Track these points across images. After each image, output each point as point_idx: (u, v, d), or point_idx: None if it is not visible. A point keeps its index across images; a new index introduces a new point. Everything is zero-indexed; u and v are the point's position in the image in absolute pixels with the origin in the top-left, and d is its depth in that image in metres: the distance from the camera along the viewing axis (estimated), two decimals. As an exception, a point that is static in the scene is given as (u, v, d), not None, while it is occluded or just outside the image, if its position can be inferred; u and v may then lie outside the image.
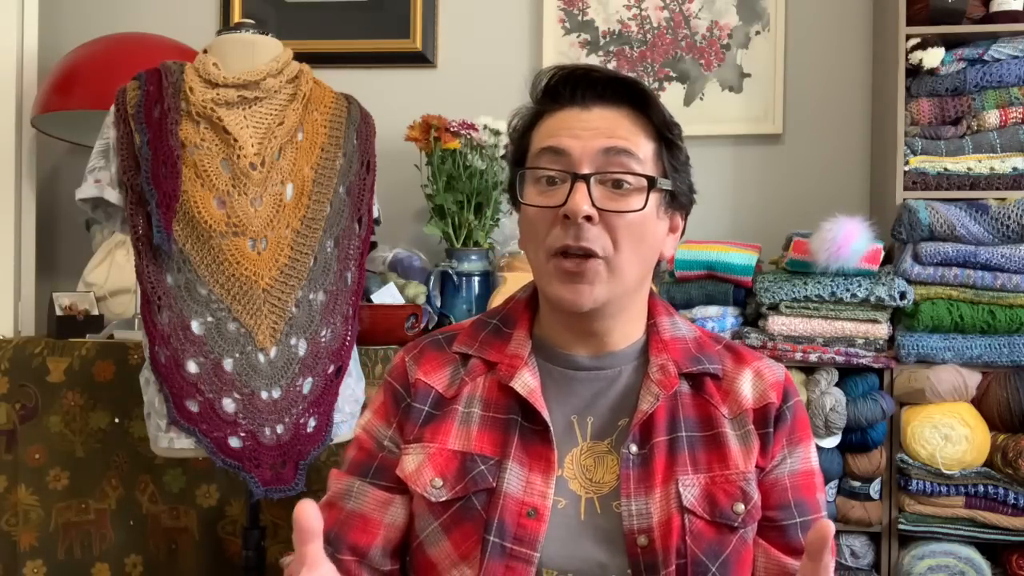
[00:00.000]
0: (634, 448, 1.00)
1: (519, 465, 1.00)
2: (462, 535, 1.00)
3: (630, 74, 2.51)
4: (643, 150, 1.01)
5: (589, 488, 1.01)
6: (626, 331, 1.06)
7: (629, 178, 0.99)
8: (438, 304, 2.26)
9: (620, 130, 1.00)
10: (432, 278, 2.26)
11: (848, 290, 2.01)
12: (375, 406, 1.12)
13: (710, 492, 0.99)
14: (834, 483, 2.03)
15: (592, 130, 0.99)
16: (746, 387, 1.05)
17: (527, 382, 1.03)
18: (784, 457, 1.05)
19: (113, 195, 1.71)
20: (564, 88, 1.02)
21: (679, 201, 1.06)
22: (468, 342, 1.09)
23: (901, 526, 2.00)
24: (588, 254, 0.97)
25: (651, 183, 1.00)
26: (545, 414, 1.01)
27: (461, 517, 1.00)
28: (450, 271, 2.27)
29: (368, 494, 1.07)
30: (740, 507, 0.99)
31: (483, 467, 1.01)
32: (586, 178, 0.97)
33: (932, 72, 2.12)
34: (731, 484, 1.00)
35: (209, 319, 1.68)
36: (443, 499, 1.01)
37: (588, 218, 0.96)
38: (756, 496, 1.01)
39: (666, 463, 1.00)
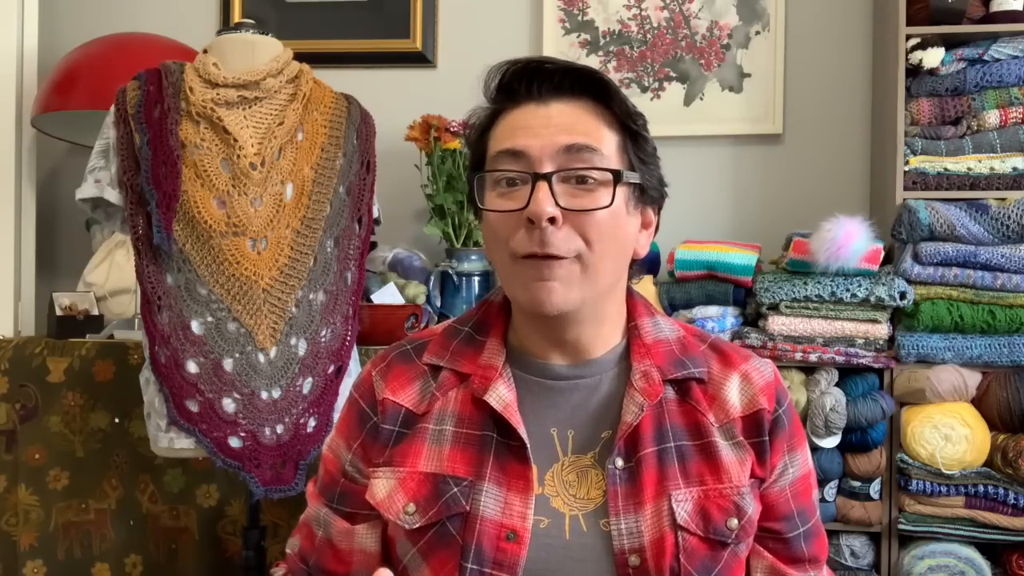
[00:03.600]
0: (620, 462, 0.95)
1: (496, 486, 0.95)
2: (439, 562, 0.95)
3: (628, 75, 2.53)
4: (606, 144, 0.95)
5: (573, 505, 0.96)
6: (604, 336, 1.00)
7: (593, 173, 0.93)
8: (438, 304, 2.26)
9: (580, 125, 0.94)
10: (432, 278, 2.26)
11: (848, 290, 2.01)
12: (340, 423, 1.07)
13: (704, 507, 0.95)
14: (834, 483, 2.03)
15: (551, 127, 0.94)
16: (733, 393, 1.00)
17: (502, 395, 0.97)
18: (785, 466, 1.01)
19: (113, 195, 1.71)
20: (519, 84, 0.96)
21: (649, 195, 1.00)
22: (439, 352, 1.03)
23: (901, 526, 2.00)
24: (554, 258, 0.92)
25: (617, 177, 0.94)
26: (521, 430, 0.95)
27: (436, 544, 0.95)
28: (450, 271, 2.27)
29: (333, 524, 1.04)
30: (734, 522, 0.95)
31: (456, 489, 0.95)
32: (547, 177, 0.92)
33: (932, 72, 2.12)
34: (725, 498, 0.96)
35: (209, 319, 1.68)
36: (417, 525, 0.96)
37: (552, 220, 0.91)
38: (751, 510, 0.97)
39: (656, 477, 0.95)
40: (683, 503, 0.94)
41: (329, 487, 1.06)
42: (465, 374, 1.01)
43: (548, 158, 0.93)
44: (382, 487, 0.99)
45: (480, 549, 0.93)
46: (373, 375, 1.04)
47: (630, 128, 0.98)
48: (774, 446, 1.00)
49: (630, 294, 1.05)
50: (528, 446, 0.96)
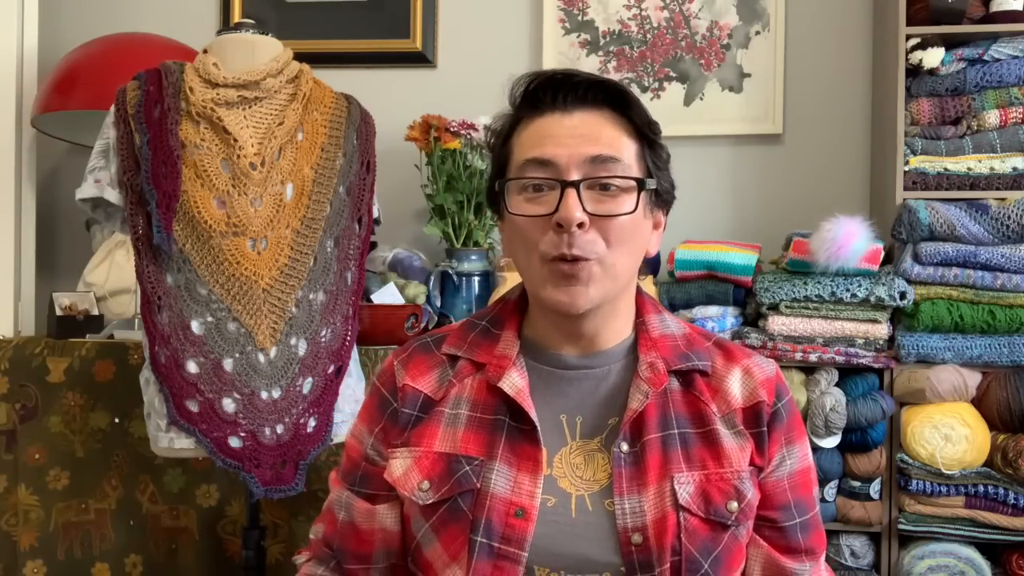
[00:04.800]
0: (625, 446, 1.01)
1: (506, 465, 1.01)
2: (450, 536, 1.00)
3: (628, 75, 2.53)
4: (627, 153, 1.01)
5: (580, 486, 1.01)
6: (616, 329, 1.06)
7: (617, 181, 1.00)
8: (438, 304, 2.26)
9: (604, 136, 1.01)
10: (432, 278, 2.26)
11: (848, 290, 2.01)
12: (362, 411, 1.13)
13: (705, 490, 1.00)
14: (834, 483, 2.03)
15: (577, 137, 1.00)
16: (735, 386, 1.05)
17: (515, 382, 1.03)
18: (783, 458, 1.06)
19: (113, 195, 1.71)
20: (545, 93, 1.03)
21: (662, 198, 1.07)
22: (457, 344, 1.09)
23: (901, 526, 2.00)
24: (581, 260, 0.98)
25: (640, 185, 1.01)
26: (532, 414, 1.01)
27: (448, 518, 1.01)
28: (450, 271, 2.27)
29: (355, 506, 1.10)
30: (734, 505, 1.00)
31: (467, 468, 1.01)
32: (576, 185, 0.98)
33: (932, 72, 2.12)
34: (725, 482, 1.01)
35: (209, 319, 1.68)
36: (430, 501, 1.01)
37: (580, 225, 0.97)
38: (750, 495, 1.02)
39: (660, 460, 1.00)
40: (685, 485, 0.99)
41: (351, 472, 1.12)
42: (481, 363, 1.07)
43: (575, 167, 0.99)
44: (399, 466, 1.05)
45: (489, 524, 0.98)
46: (395, 364, 1.11)
47: (647, 136, 1.04)
48: (772, 437, 1.05)
49: (639, 292, 1.11)
50: (539, 429, 1.01)
